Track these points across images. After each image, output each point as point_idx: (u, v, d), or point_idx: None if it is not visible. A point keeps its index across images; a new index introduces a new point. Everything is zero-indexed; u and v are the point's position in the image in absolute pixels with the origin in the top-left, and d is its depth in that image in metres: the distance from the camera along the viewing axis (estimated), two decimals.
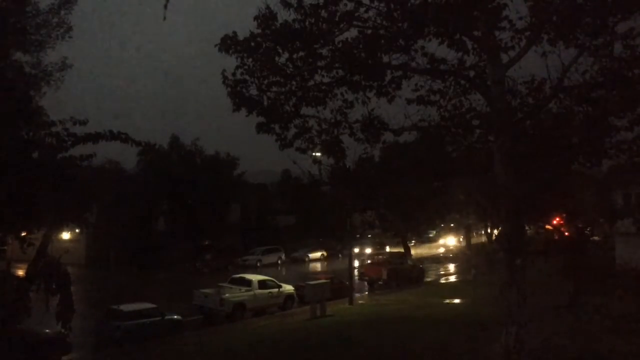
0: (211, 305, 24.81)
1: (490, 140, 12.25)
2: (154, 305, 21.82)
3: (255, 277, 27.91)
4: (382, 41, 10.51)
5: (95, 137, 11.00)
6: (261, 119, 11.08)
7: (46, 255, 10.97)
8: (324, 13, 10.27)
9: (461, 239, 71.40)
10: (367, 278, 36.27)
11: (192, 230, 48.49)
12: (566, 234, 23.64)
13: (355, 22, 10.42)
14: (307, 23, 10.35)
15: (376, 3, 10.21)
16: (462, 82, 11.83)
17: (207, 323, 24.42)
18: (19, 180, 10.66)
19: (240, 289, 26.20)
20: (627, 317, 18.25)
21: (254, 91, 10.88)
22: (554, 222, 24.30)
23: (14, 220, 11.43)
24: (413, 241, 61.08)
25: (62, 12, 18.11)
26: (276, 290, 27.29)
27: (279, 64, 10.69)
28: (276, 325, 23.04)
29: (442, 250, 64.23)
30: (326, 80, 11.13)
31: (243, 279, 27.90)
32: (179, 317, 22.56)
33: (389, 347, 16.40)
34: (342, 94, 11.30)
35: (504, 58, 11.08)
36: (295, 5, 10.22)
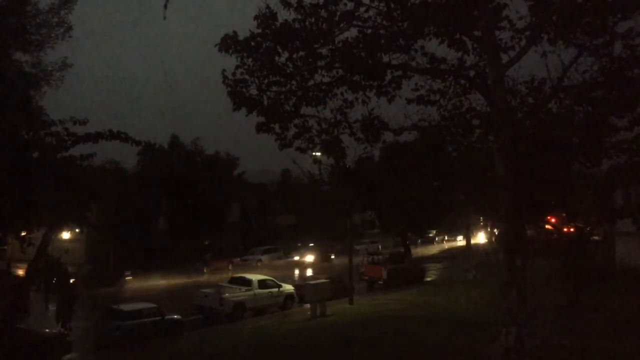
0: (211, 305, 24.82)
1: (490, 140, 12.23)
2: (154, 305, 21.82)
3: (255, 277, 27.93)
4: (382, 41, 10.49)
5: (95, 137, 11.01)
6: (261, 118, 11.05)
7: (46, 255, 10.95)
8: (324, 13, 10.24)
9: (332, 257, 51.34)
10: (367, 278, 36.23)
11: (192, 230, 48.48)
12: (571, 230, 23.65)
13: (355, 22, 10.39)
14: (307, 23, 10.33)
15: (376, 3, 10.19)
16: (462, 82, 11.81)
17: (207, 323, 24.43)
18: (19, 180, 10.66)
19: (240, 289, 26.21)
20: (628, 316, 18.25)
21: (254, 91, 10.85)
22: (554, 221, 24.29)
23: (14, 220, 11.44)
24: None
25: (62, 12, 18.16)
26: (276, 290, 27.30)
27: (279, 63, 10.66)
28: (276, 325, 23.04)
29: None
30: (326, 80, 11.09)
31: (243, 278, 27.92)
32: (179, 317, 22.57)
33: (388, 347, 16.40)
34: (342, 93, 11.26)
35: (504, 58, 11.07)
36: (295, 5, 10.20)
